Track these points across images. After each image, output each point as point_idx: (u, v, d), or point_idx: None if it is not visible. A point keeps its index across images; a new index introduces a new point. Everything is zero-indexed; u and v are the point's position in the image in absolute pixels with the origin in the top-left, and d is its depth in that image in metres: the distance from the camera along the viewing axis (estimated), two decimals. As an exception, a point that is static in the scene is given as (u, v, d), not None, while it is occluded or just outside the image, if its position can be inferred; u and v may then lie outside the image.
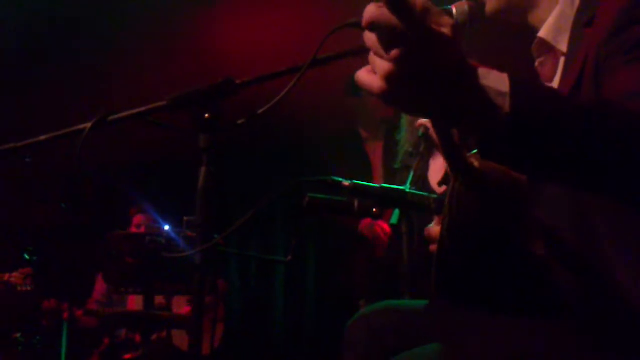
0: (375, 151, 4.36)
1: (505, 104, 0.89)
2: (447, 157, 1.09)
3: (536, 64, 1.47)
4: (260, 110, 1.36)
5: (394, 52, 0.83)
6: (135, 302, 4.54)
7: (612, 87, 1.09)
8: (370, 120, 4.38)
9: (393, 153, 4.14)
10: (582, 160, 0.93)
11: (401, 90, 0.86)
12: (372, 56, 0.88)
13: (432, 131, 1.09)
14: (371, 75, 0.88)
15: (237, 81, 1.38)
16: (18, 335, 4.18)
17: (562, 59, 1.39)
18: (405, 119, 2.85)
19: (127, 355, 4.26)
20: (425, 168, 2.92)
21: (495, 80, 0.90)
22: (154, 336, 4.13)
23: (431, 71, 0.85)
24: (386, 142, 4.37)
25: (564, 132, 0.91)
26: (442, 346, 1.23)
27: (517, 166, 0.97)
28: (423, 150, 2.57)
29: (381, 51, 0.85)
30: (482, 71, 0.90)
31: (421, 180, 2.80)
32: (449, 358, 1.19)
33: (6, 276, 4.08)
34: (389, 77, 0.85)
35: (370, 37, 0.87)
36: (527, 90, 0.91)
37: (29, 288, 4.07)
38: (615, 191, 0.98)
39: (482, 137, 0.91)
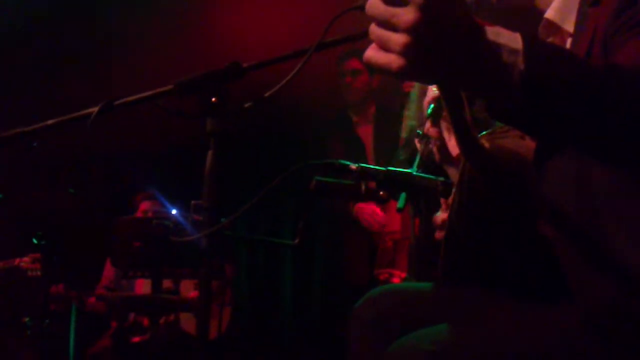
0: (366, 134, 4.37)
1: (519, 61, 0.88)
2: (459, 137, 1.10)
3: None
4: (267, 94, 1.37)
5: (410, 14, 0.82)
6: (143, 287, 4.57)
7: (619, 61, 1.09)
8: (357, 103, 4.39)
9: (384, 135, 4.14)
10: (595, 120, 0.93)
11: (420, 60, 0.86)
12: (383, 33, 0.87)
13: (445, 112, 1.10)
14: (384, 53, 0.87)
15: (244, 65, 1.39)
16: (27, 319, 4.22)
17: (569, 40, 1.39)
18: (414, 94, 2.84)
19: (135, 339, 4.30)
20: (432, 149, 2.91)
21: (508, 38, 0.89)
22: (162, 320, 4.16)
23: (446, 34, 0.84)
24: (376, 125, 4.37)
25: (578, 90, 0.91)
26: (450, 327, 1.24)
27: (529, 125, 0.97)
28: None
29: (394, 23, 0.85)
30: (494, 30, 0.89)
31: (430, 162, 2.79)
32: (457, 338, 1.20)
33: (17, 261, 4.11)
34: (406, 49, 0.84)
35: (380, 11, 0.86)
36: (541, 48, 0.91)
37: (38, 273, 4.10)
38: (625, 153, 0.98)
39: (496, 96, 0.91)
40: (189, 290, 4.43)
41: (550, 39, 1.45)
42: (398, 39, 0.85)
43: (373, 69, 0.90)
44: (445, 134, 1.90)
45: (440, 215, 1.74)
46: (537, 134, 1.08)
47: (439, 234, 1.84)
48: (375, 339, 1.55)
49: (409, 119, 2.86)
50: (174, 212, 4.08)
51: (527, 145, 1.24)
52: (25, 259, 4.12)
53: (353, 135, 4.38)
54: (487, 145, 1.12)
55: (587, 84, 0.92)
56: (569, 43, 1.39)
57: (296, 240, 1.79)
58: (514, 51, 0.89)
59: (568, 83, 0.91)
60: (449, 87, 1.08)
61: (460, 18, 0.86)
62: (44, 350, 4.30)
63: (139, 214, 4.62)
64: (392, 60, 0.86)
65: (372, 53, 0.88)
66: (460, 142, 1.10)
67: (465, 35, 0.86)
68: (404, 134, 2.91)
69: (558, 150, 1.14)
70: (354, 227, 4.19)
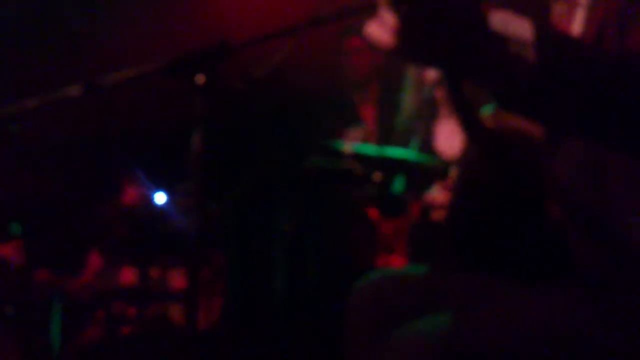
0: (368, 115, 4.35)
1: (529, 53, 0.88)
2: (460, 118, 1.09)
3: (553, 14, 1.46)
4: (257, 72, 1.36)
5: None
6: (129, 276, 4.56)
7: (633, 46, 1.08)
8: (359, 82, 4.36)
9: (387, 115, 4.14)
10: (605, 111, 0.93)
11: (412, 43, 0.85)
12: (382, 9, 0.86)
13: (443, 92, 1.09)
14: (382, 29, 0.87)
15: (233, 43, 1.38)
16: (8, 308, 4.21)
17: (579, 9, 1.38)
18: (409, 78, 2.84)
19: (125, 330, 4.30)
20: (429, 132, 2.92)
21: (517, 27, 0.89)
22: (149, 310, 4.16)
23: (441, 19, 0.84)
24: (380, 104, 4.36)
25: (588, 82, 0.91)
26: (453, 315, 1.24)
27: (536, 115, 0.97)
28: (427, 113, 2.57)
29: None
30: (502, 17, 0.89)
31: (427, 145, 2.79)
32: (461, 326, 1.20)
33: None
34: (397, 29, 0.84)
35: None
36: (552, 39, 0.90)
37: (20, 261, 4.10)
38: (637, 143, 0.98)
39: (501, 86, 0.91)
40: (178, 279, 4.43)
41: (558, 8, 1.44)
42: (392, 18, 0.84)
43: (371, 44, 0.90)
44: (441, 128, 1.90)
45: (436, 194, 1.74)
46: (544, 123, 1.08)
47: (435, 215, 1.84)
48: (373, 324, 1.55)
49: (403, 107, 2.86)
50: (160, 195, 4.07)
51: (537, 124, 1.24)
52: (7, 246, 4.11)
53: (355, 115, 4.37)
54: (493, 124, 1.12)
55: (597, 76, 0.92)
56: (579, 12, 1.38)
57: (287, 227, 1.78)
58: (522, 42, 0.88)
59: (578, 75, 0.91)
60: (449, 77, 1.07)
61: (460, 5, 0.85)
62: (27, 340, 4.30)
63: (125, 199, 4.61)
64: (385, 37, 0.86)
65: (372, 28, 0.88)
66: (464, 123, 1.09)
67: (465, 26, 0.86)
68: (401, 119, 2.92)
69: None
70: (355, 211, 4.19)
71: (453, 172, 1.77)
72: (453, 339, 1.15)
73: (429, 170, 1.94)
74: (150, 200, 3.95)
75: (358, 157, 1.75)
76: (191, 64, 1.37)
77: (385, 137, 3.99)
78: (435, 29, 0.84)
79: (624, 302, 1.13)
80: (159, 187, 4.26)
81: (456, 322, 1.19)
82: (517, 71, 0.88)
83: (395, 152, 1.89)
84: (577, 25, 1.37)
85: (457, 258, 1.30)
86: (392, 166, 1.94)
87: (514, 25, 0.89)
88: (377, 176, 1.87)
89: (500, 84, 0.91)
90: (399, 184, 2.23)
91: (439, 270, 1.51)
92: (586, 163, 1.15)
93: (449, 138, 2.78)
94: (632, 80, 0.93)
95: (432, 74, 1.98)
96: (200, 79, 1.35)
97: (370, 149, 1.79)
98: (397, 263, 3.47)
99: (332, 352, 1.96)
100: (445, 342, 1.14)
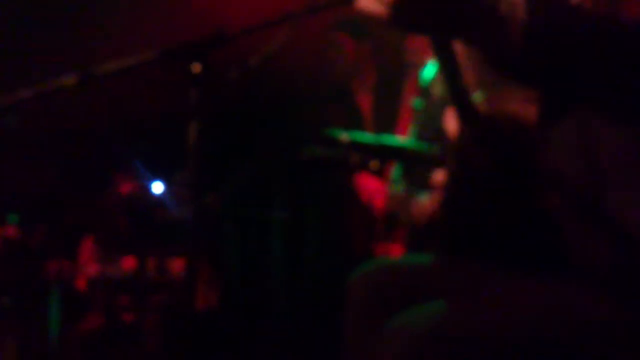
0: (364, 104, 4.34)
1: (518, 11, 0.89)
2: (455, 103, 1.09)
3: None
4: (253, 62, 1.35)
5: None
6: (129, 263, 4.57)
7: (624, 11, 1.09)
8: (349, 72, 4.35)
9: (383, 106, 4.13)
10: (595, 71, 0.94)
11: (406, 9, 0.87)
12: None
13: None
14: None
15: (229, 32, 1.37)
16: (6, 299, 4.22)
17: None
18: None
19: (127, 318, 4.30)
20: (431, 117, 2.91)
21: None
22: (150, 299, 4.18)
23: None
24: (376, 95, 4.34)
25: (579, 41, 0.92)
26: (448, 302, 1.24)
27: (529, 76, 0.98)
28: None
29: None
30: None
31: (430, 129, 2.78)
32: (457, 314, 1.20)
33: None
34: None
35: None
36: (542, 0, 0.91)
37: (17, 250, 4.11)
38: (626, 108, 0.99)
39: (494, 47, 0.92)
40: (175, 268, 4.43)
41: None
42: None
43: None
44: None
45: (439, 175, 1.74)
46: (536, 85, 1.09)
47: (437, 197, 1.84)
48: (372, 313, 1.55)
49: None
50: (157, 185, 4.07)
51: (532, 110, 1.24)
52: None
53: (352, 104, 4.35)
54: (487, 109, 1.12)
55: (586, 39, 0.93)
56: None
57: (285, 215, 1.78)
58: (513, 2, 0.89)
59: (568, 34, 0.92)
60: (441, 41, 1.08)
61: None
62: (25, 329, 4.31)
63: (121, 190, 4.60)
64: (382, 7, 0.88)
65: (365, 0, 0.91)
66: (458, 109, 1.10)
67: None
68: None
69: (564, 115, 1.15)
70: (353, 198, 4.18)
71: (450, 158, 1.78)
72: (442, 327, 1.15)
73: (426, 158, 1.94)
74: (147, 190, 3.95)
75: (355, 146, 1.74)
76: (187, 53, 1.36)
77: (382, 126, 3.98)
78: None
79: (621, 288, 1.13)
80: (156, 177, 4.26)
81: (446, 311, 1.20)
82: (507, 31, 0.89)
83: (392, 140, 1.89)
84: None
85: (453, 245, 1.30)
86: (390, 154, 1.93)
87: None
88: (374, 165, 1.87)
89: (491, 44, 0.92)
90: (396, 172, 2.23)
91: (436, 259, 1.52)
92: (579, 147, 1.15)
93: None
94: (621, 44, 0.93)
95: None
96: (196, 67, 1.35)
97: (367, 137, 1.79)
98: (396, 252, 3.48)
99: (331, 342, 1.97)
100: (435, 331, 1.14)
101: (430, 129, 2.90)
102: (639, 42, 0.94)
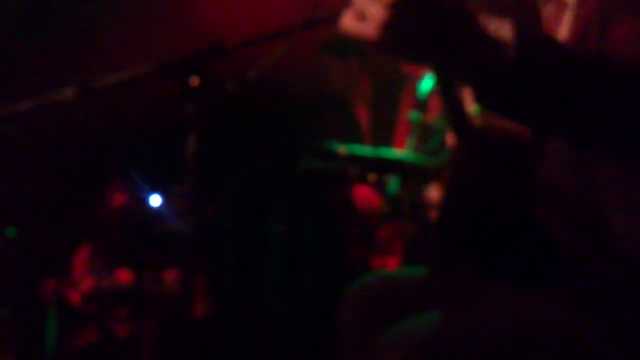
0: (362, 115, 4.35)
1: (508, 52, 0.89)
2: (449, 117, 1.10)
3: (542, 15, 1.47)
4: (251, 75, 1.36)
5: None
6: (124, 276, 4.56)
7: (616, 36, 1.09)
8: (342, 88, 4.35)
9: (381, 118, 4.13)
10: (582, 112, 0.94)
11: (396, 38, 0.85)
12: (363, 2, 0.86)
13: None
14: (361, 22, 0.86)
15: (227, 45, 1.38)
16: (3, 312, 4.21)
17: (567, 10, 1.39)
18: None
19: (122, 332, 4.29)
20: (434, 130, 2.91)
21: (497, 27, 0.90)
22: (146, 310, 4.16)
23: (429, 18, 0.85)
24: (373, 107, 4.35)
25: (565, 83, 0.92)
26: (441, 314, 1.25)
27: (515, 115, 0.98)
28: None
29: None
30: (483, 17, 0.90)
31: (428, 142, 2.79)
32: (448, 326, 1.21)
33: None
34: (383, 24, 0.84)
35: None
36: (530, 40, 0.91)
37: (12, 262, 4.10)
38: (614, 144, 1.00)
39: (480, 84, 0.92)
40: (171, 280, 4.42)
41: (546, 8, 1.45)
42: (376, 12, 0.84)
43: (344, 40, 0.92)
44: None
45: (432, 194, 1.74)
46: (524, 124, 1.09)
47: (432, 214, 1.84)
48: (367, 325, 1.55)
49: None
50: (155, 198, 4.07)
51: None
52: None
53: (350, 116, 4.36)
54: (481, 124, 1.13)
55: (574, 77, 0.94)
56: (567, 13, 1.39)
57: (283, 228, 1.79)
58: (502, 42, 0.89)
59: (555, 75, 0.92)
60: (438, 74, 1.08)
61: (448, 4, 0.86)
62: (20, 344, 4.30)
63: (118, 202, 4.59)
64: (367, 31, 0.86)
65: (348, 21, 0.88)
66: (452, 122, 1.10)
67: (451, 22, 0.87)
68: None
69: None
70: (350, 211, 4.18)
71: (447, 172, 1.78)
72: (438, 337, 1.15)
73: (424, 171, 1.95)
74: (143, 203, 3.95)
75: (353, 158, 1.75)
76: (185, 66, 1.37)
77: (379, 138, 3.99)
78: (424, 22, 0.85)
79: (613, 303, 1.14)
80: (153, 189, 4.25)
81: (441, 321, 1.20)
82: (495, 69, 0.89)
83: (390, 153, 1.90)
84: (564, 27, 1.38)
85: (448, 258, 1.30)
86: (387, 167, 1.94)
87: (494, 26, 0.90)
88: (372, 177, 1.88)
89: (478, 82, 0.92)
90: (394, 185, 2.24)
91: (432, 272, 1.52)
92: (572, 163, 1.15)
93: None
94: (607, 80, 0.94)
95: None
96: (194, 81, 1.35)
97: (365, 150, 1.79)
98: (392, 265, 3.48)
99: (327, 354, 1.96)
100: (430, 341, 1.14)
101: (428, 142, 2.91)
102: (630, 76, 0.95)
